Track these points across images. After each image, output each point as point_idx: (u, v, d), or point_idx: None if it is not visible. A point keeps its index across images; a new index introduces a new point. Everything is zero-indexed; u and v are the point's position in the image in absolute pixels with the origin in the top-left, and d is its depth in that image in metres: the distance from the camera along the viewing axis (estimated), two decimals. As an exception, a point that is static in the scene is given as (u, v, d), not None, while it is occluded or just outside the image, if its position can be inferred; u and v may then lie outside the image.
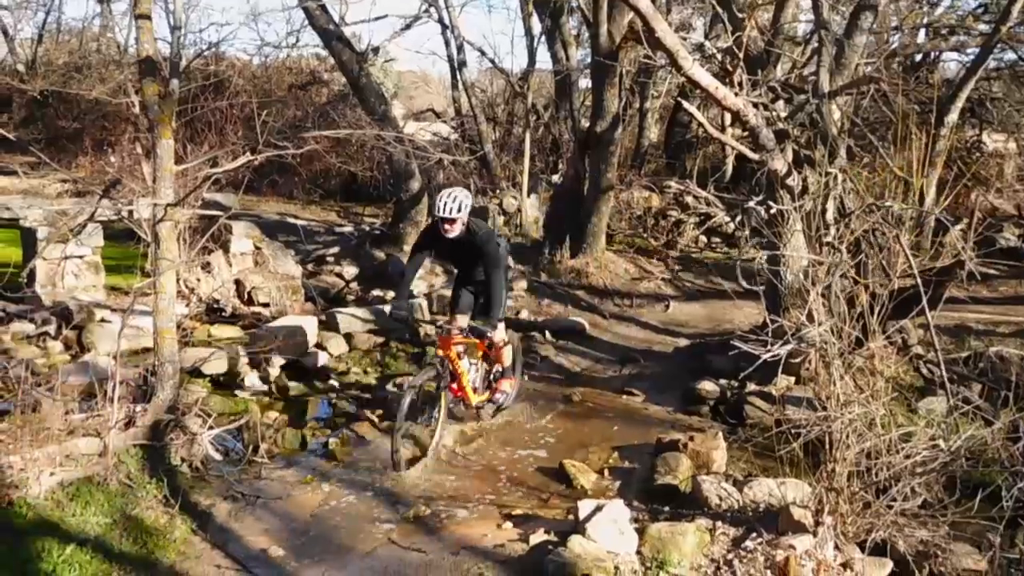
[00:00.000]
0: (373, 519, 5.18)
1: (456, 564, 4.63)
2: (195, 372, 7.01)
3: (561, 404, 7.44)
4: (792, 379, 7.22)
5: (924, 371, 7.38)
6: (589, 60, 13.11)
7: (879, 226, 5.86)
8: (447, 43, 15.02)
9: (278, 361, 7.52)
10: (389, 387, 7.39)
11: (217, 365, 7.16)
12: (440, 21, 14.52)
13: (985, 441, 4.61)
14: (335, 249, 11.78)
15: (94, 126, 16.73)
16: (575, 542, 4.59)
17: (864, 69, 9.21)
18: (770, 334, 4.72)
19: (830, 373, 4.74)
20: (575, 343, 9.19)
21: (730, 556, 4.61)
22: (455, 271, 6.95)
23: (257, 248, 9.81)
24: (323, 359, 7.91)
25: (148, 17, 5.74)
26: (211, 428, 5.68)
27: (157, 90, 5.70)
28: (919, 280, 5.23)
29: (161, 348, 5.59)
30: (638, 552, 4.66)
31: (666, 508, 5.30)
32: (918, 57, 13.88)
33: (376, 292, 10.16)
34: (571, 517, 5.03)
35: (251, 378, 7.26)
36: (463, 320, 6.56)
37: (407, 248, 11.52)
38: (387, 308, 8.86)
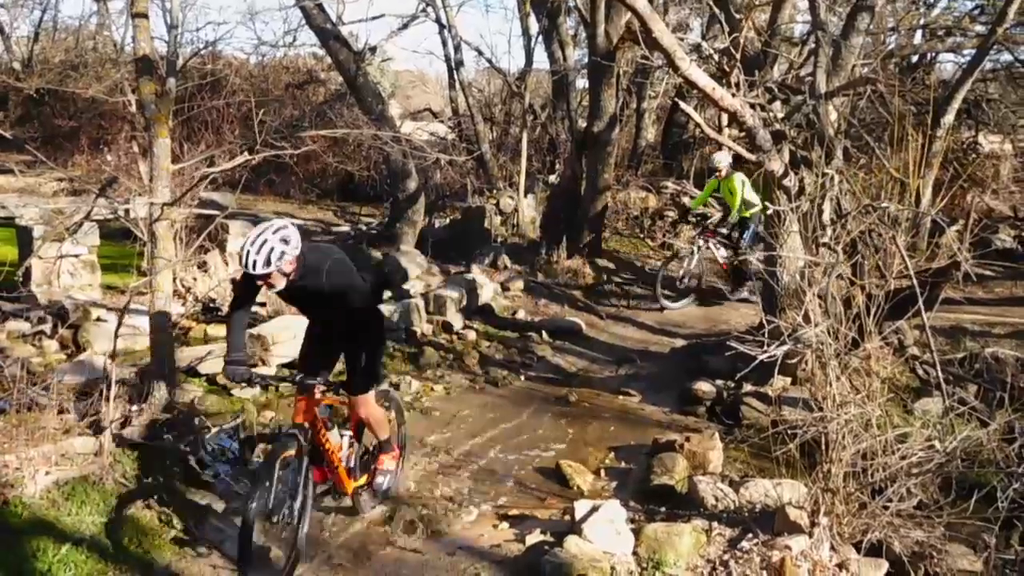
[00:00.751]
0: (370, 520, 5.17)
1: (452, 564, 4.63)
2: (191, 371, 7.00)
3: (558, 404, 7.44)
4: (788, 380, 7.23)
5: (920, 372, 7.39)
6: (586, 60, 13.12)
7: (875, 227, 5.86)
8: (444, 43, 15.02)
9: (275, 360, 7.50)
10: (256, 455, 5.77)
11: (213, 364, 7.13)
12: (437, 21, 14.52)
13: (981, 442, 4.62)
14: (332, 248, 11.75)
15: (90, 125, 16.70)
16: (571, 542, 4.60)
17: (861, 70, 9.22)
18: (767, 335, 4.72)
19: (826, 374, 4.75)
20: (572, 343, 9.19)
21: (726, 557, 4.62)
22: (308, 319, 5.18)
23: (254, 247, 9.77)
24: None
25: (145, 16, 5.73)
26: (207, 428, 5.67)
27: (154, 89, 5.70)
28: (915, 281, 5.23)
29: (157, 347, 5.58)
30: (634, 552, 4.67)
31: (662, 508, 5.31)
32: (914, 58, 13.90)
33: (373, 292, 10.13)
34: (567, 517, 5.04)
35: (247, 378, 7.23)
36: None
37: (404, 247, 11.55)
38: (383, 308, 8.86)
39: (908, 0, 13.27)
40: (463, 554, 4.75)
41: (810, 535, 4.56)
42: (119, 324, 5.57)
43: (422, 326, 8.93)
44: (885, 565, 4.45)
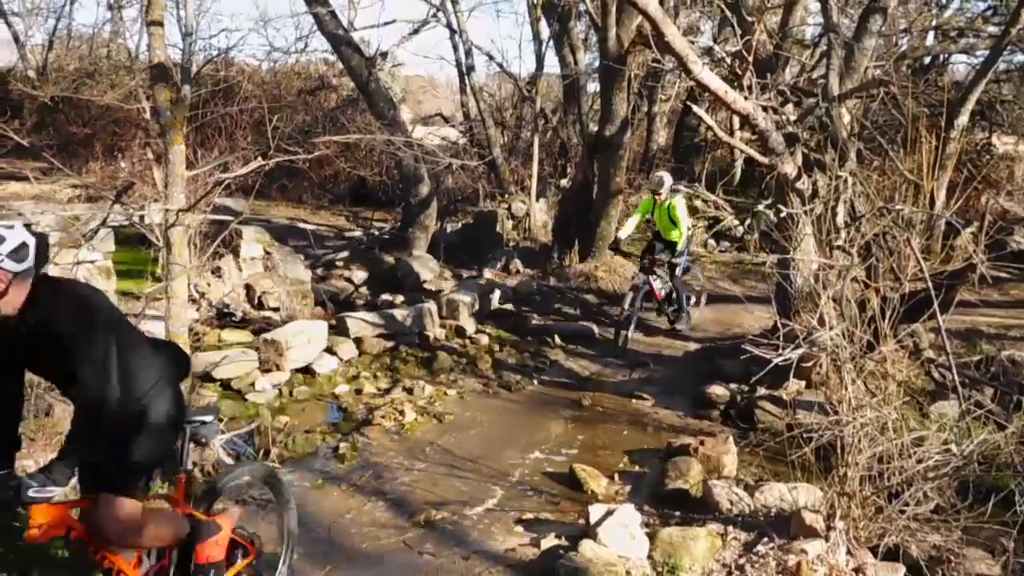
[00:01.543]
0: (384, 523, 5.19)
1: (467, 568, 4.63)
2: (206, 376, 7.04)
3: (571, 408, 7.44)
4: (803, 383, 7.20)
5: (935, 375, 7.36)
6: (597, 64, 13.14)
7: (890, 229, 5.84)
8: (455, 47, 15.10)
9: (289, 366, 7.53)
10: None
11: (227, 369, 7.18)
12: (448, 26, 14.59)
13: (998, 445, 4.58)
14: (344, 254, 11.82)
15: (105, 132, 16.83)
16: (586, 547, 4.59)
17: (873, 72, 9.19)
18: (781, 338, 4.71)
19: (841, 377, 4.73)
20: (584, 347, 9.18)
21: (741, 561, 4.60)
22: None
23: (267, 253, 9.84)
24: (333, 363, 7.93)
25: (160, 24, 5.78)
26: (222, 432, 5.69)
27: (169, 96, 5.74)
28: (930, 284, 5.20)
29: (173, 353, 5.60)
30: (649, 557, 4.66)
31: (677, 513, 5.30)
32: (927, 60, 13.86)
33: (385, 296, 10.18)
34: (582, 521, 5.04)
35: (261, 383, 7.27)
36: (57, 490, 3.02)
37: (416, 252, 11.58)
38: (396, 313, 8.89)
39: (920, 1, 13.23)
40: (478, 558, 4.75)
41: (826, 539, 4.54)
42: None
43: (435, 330, 8.95)
44: (902, 569, 4.42)
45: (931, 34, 13.89)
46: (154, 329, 6.83)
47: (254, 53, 24.55)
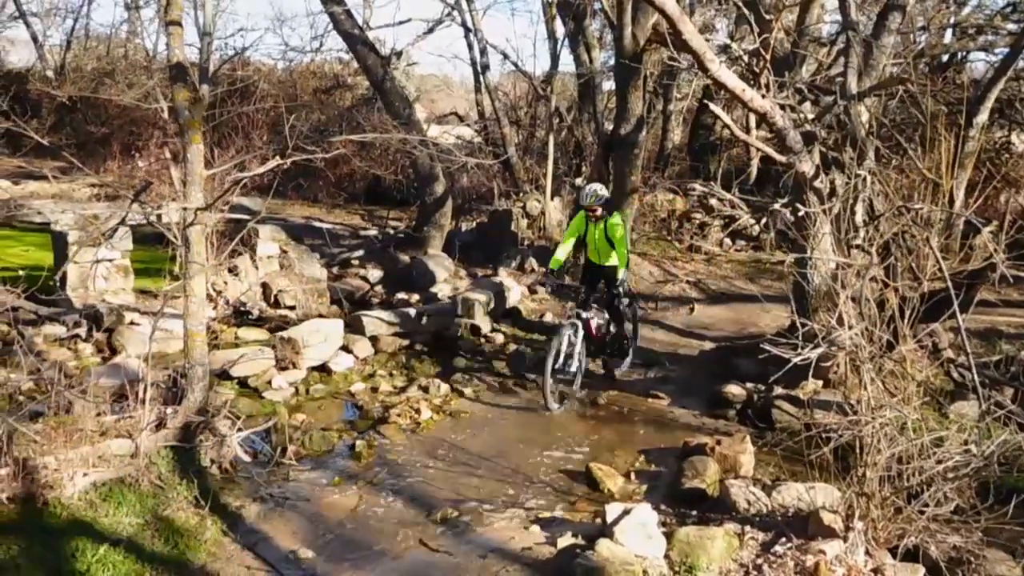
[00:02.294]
0: (401, 521, 5.21)
1: (484, 567, 4.64)
2: (223, 375, 7.08)
3: (587, 407, 7.43)
4: (820, 383, 7.17)
5: (955, 375, 7.30)
6: (613, 62, 13.10)
7: (908, 229, 5.80)
8: (470, 46, 15.08)
9: (305, 363, 7.56)
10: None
11: (244, 367, 7.21)
12: (463, 25, 14.58)
13: (1019, 446, 4.55)
14: (360, 252, 11.84)
15: (122, 131, 16.97)
16: (603, 546, 4.58)
17: (891, 70, 9.12)
18: (800, 337, 4.68)
19: (860, 377, 4.70)
20: (599, 346, 9.15)
21: (759, 561, 4.59)
22: None
23: (283, 251, 9.88)
24: (349, 361, 7.95)
25: (179, 23, 5.81)
26: (240, 430, 5.73)
27: (188, 95, 5.76)
28: (950, 283, 5.16)
29: (191, 351, 5.65)
30: (666, 556, 4.64)
31: (694, 512, 5.29)
32: (945, 57, 13.73)
33: (401, 295, 10.19)
34: (598, 520, 5.04)
35: (278, 381, 7.30)
36: None
37: (431, 251, 11.60)
38: (411, 311, 8.92)
39: (939, -1, 13.11)
40: (494, 556, 4.75)
41: (844, 539, 4.52)
42: (154, 328, 5.66)
43: (451, 328, 8.96)
44: (922, 570, 4.40)
45: (949, 31, 13.76)
46: (172, 327, 6.89)
47: (270, 52, 24.60)
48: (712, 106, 8.01)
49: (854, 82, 7.23)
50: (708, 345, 9.33)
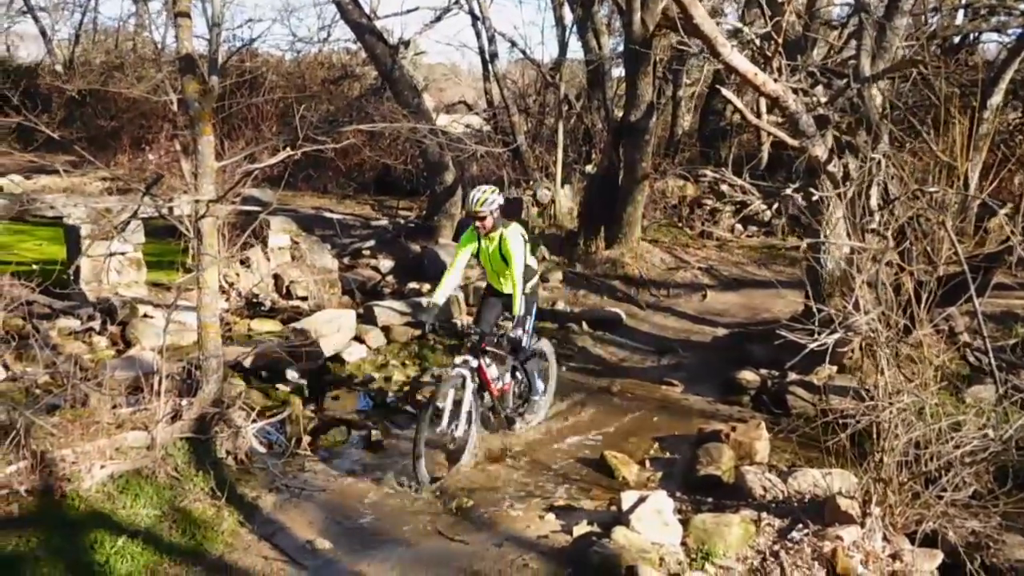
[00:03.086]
0: (417, 510, 5.21)
1: (500, 555, 4.63)
2: (236, 366, 7.10)
3: (600, 395, 7.42)
4: (834, 368, 7.13)
5: (972, 359, 7.25)
6: (622, 49, 13.02)
7: (923, 212, 5.75)
8: (478, 35, 15.04)
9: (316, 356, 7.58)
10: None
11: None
12: (471, 13, 14.55)
13: (1037, 430, 4.51)
14: (371, 242, 11.85)
15: (132, 124, 16.97)
16: (619, 533, 4.58)
17: (903, 52, 9.03)
18: (817, 323, 4.65)
19: (877, 362, 4.67)
20: (612, 334, 9.16)
21: (776, 547, 4.57)
22: None
23: (294, 242, 9.90)
24: (362, 352, 7.97)
25: (187, 15, 5.79)
26: (255, 421, 5.75)
27: (197, 87, 5.75)
28: (966, 266, 5.11)
29: (205, 343, 5.65)
30: (683, 543, 4.64)
31: (709, 499, 5.28)
32: (957, 39, 13.58)
33: (412, 285, 10.20)
34: (614, 508, 5.03)
35: (291, 372, 7.32)
36: None
37: (442, 240, 11.59)
38: (423, 300, 8.92)
39: (950, -22, 12.95)
40: (510, 545, 4.75)
41: (862, 525, 4.50)
42: (168, 321, 5.67)
43: (462, 318, 8.95)
44: (940, 556, 4.38)
45: (961, 12, 13.59)
46: (186, 319, 6.91)
47: (278, 43, 24.72)
48: (724, 91, 7.97)
49: (867, 65, 7.16)
50: (721, 331, 9.31)
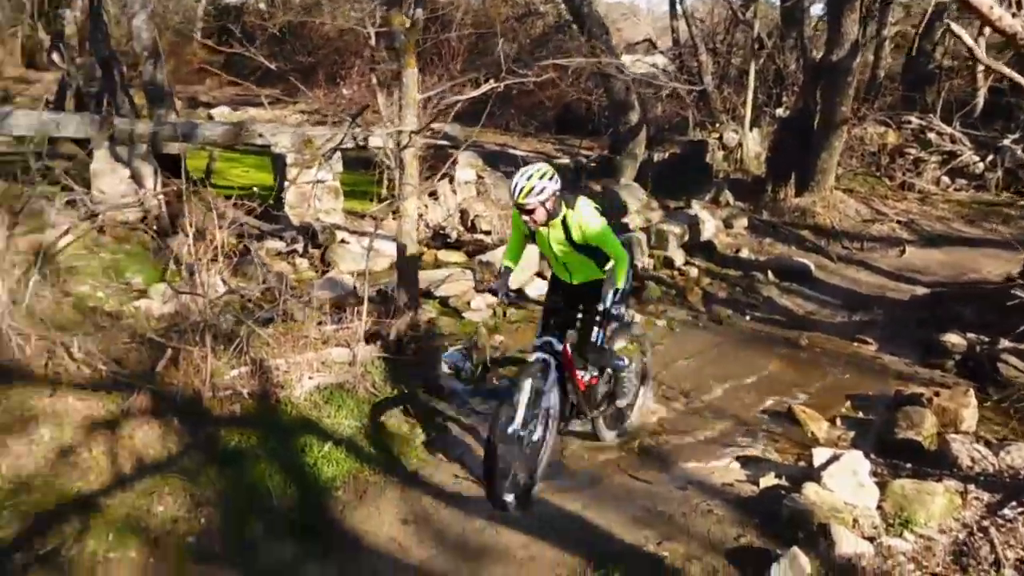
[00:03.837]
0: (596, 447, 5.25)
1: (684, 498, 4.61)
2: (427, 294, 7.37)
3: (786, 347, 7.16)
4: (1056, 337, 6.49)
5: None
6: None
7: None
8: (668, -31, 14.47)
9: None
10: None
11: (445, 288, 7.48)
12: (663, -54, 13.98)
13: None
14: (551, 180, 11.86)
15: (327, 60, 17.76)
16: (810, 489, 4.43)
17: None
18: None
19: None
20: (800, 285, 8.79)
21: (985, 523, 4.27)
22: None
23: (479, 177, 10.08)
24: (544, 287, 8.04)
25: (395, -52, 5.90)
26: (445, 348, 5.96)
27: (403, 20, 5.88)
28: None
29: (403, 268, 5.89)
30: (879, 507, 4.42)
31: (908, 464, 4.98)
32: None
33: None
34: (803, 464, 4.87)
35: (477, 302, 7.52)
36: None
37: (624, 181, 11.44)
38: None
39: None
40: (694, 488, 4.71)
41: (1088, 508, 4.12)
42: (370, 247, 5.95)
43: (643, 260, 8.85)
44: None
45: None
46: (380, 246, 7.23)
47: (463, -20, 24.73)
48: (954, 26, 7.23)
49: None
50: (920, 290, 8.70)
